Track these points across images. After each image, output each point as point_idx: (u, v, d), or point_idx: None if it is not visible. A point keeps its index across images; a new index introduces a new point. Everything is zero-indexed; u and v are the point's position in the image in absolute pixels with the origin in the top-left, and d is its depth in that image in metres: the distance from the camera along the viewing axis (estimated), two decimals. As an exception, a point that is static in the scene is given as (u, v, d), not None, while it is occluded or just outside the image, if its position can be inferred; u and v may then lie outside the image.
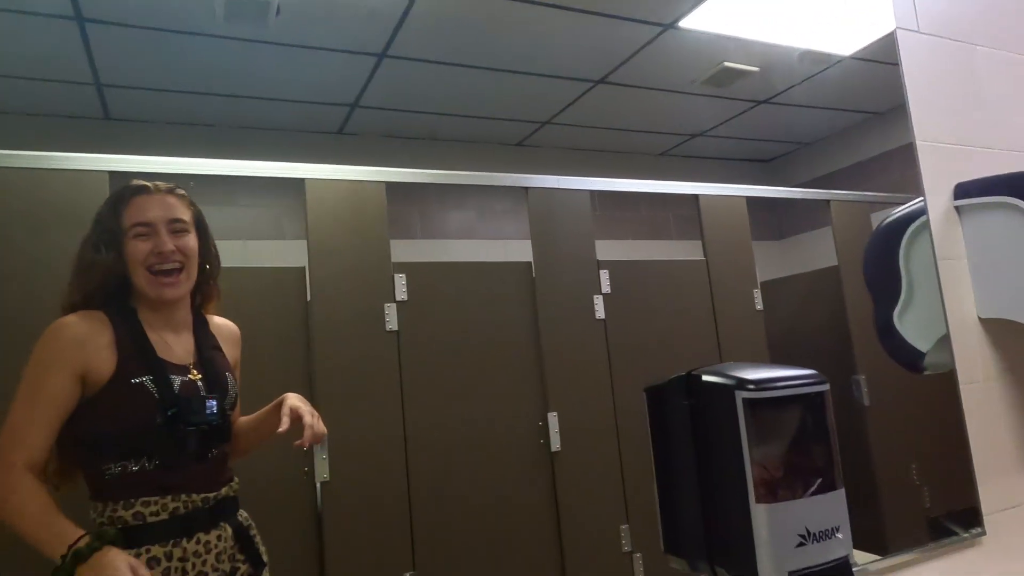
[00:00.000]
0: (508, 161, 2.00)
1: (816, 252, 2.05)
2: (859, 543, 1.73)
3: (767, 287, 1.83)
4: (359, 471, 1.27)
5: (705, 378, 0.86)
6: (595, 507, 1.46)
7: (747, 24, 1.77)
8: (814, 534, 0.80)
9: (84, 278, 1.01)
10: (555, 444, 1.44)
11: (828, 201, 1.89)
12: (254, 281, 1.28)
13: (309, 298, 1.31)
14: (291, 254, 1.38)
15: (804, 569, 0.77)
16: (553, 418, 1.45)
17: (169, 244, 1.02)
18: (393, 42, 1.61)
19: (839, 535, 0.81)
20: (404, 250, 1.80)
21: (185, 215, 1.06)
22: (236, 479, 1.08)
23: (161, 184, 1.06)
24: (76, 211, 1.12)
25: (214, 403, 1.02)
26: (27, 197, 1.15)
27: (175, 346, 1.04)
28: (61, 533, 0.88)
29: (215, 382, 1.05)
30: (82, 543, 0.87)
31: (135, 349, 1.00)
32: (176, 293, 1.04)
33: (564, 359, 1.49)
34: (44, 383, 0.95)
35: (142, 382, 0.98)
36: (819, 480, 0.83)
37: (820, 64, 1.95)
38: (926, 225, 1.30)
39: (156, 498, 0.97)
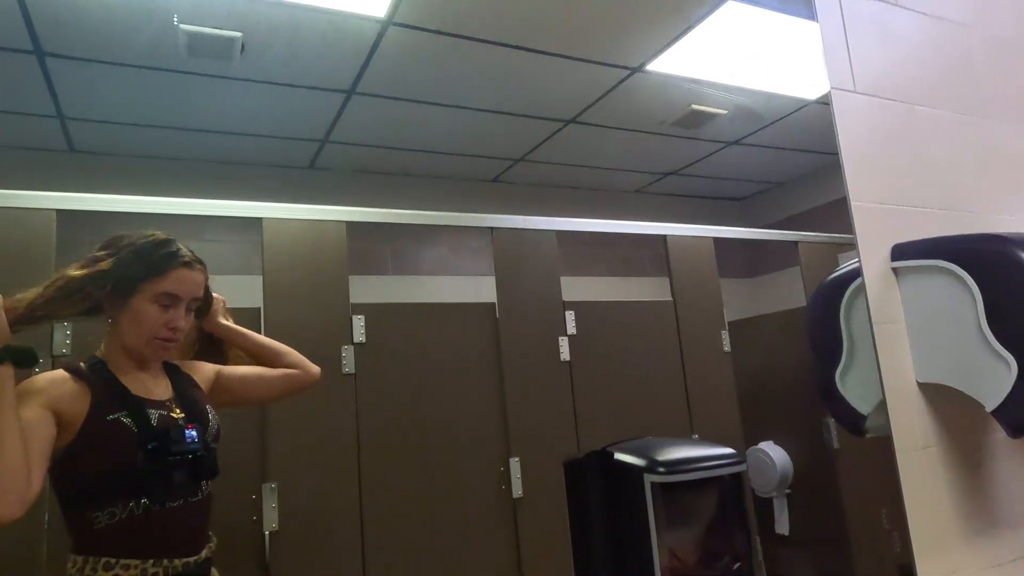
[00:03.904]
0: (481, 197, 2.00)
1: (787, 291, 2.06)
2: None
3: (736, 327, 1.82)
4: (310, 520, 1.23)
5: (617, 456, 0.85)
6: (558, 555, 1.42)
7: (713, 68, 1.79)
8: None
9: (62, 297, 0.97)
10: (517, 490, 1.41)
11: (796, 242, 1.89)
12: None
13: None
14: (254, 293, 1.35)
15: None
16: (515, 463, 1.42)
17: (184, 324, 1.03)
18: (361, 79, 1.61)
19: None
20: (373, 287, 1.78)
21: (201, 295, 1.07)
22: (214, 540, 1.07)
23: (199, 259, 1.06)
24: (19, 250, 1.10)
25: (194, 432, 1.02)
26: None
27: (151, 387, 1.04)
28: None
29: (195, 415, 1.04)
30: None
31: (108, 388, 0.99)
32: (171, 356, 1.07)
33: (527, 402, 1.46)
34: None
35: (118, 418, 0.96)
36: (735, 567, 0.81)
37: (788, 108, 1.98)
38: (863, 287, 1.31)
39: (137, 562, 0.95)
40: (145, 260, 1.01)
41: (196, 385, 1.10)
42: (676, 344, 1.66)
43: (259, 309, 1.29)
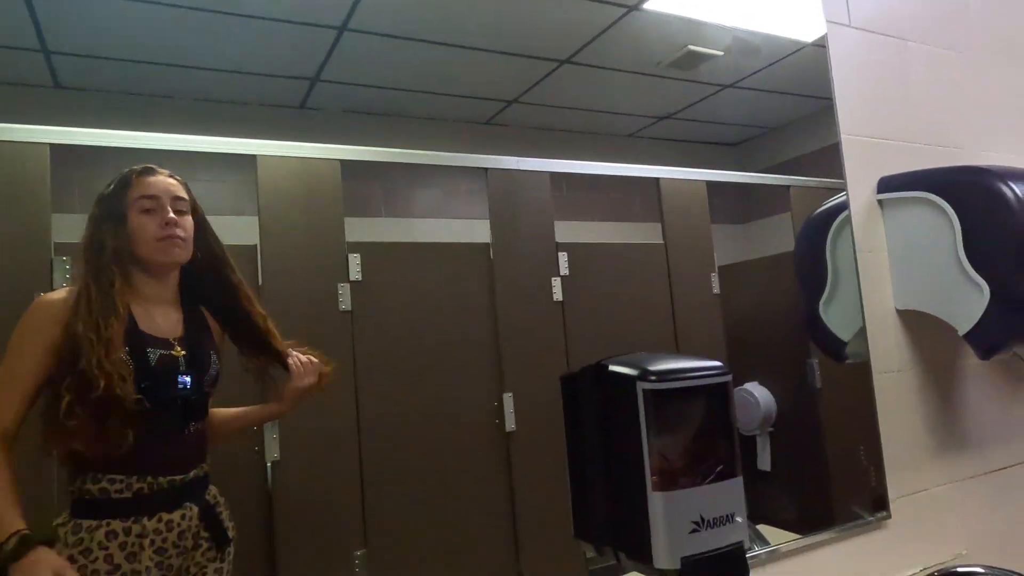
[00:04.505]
0: (475, 139, 1.98)
1: (778, 237, 2.07)
2: (809, 522, 1.79)
3: (726, 271, 1.85)
4: (310, 451, 1.27)
5: (611, 368, 0.88)
6: (549, 487, 1.48)
7: (710, 8, 1.76)
8: (708, 521, 0.83)
9: (95, 256, 1.05)
10: (510, 424, 1.46)
11: (788, 187, 1.90)
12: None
13: (260, 277, 1.29)
14: (248, 232, 1.36)
15: (697, 554, 0.80)
16: (508, 399, 1.46)
17: (174, 216, 1.09)
18: (353, 15, 1.57)
19: (738, 519, 0.84)
20: (367, 229, 1.78)
21: (185, 197, 1.12)
22: (208, 460, 1.12)
23: (163, 169, 1.13)
24: (14, 186, 1.09)
25: (188, 379, 1.07)
26: (-38, 170, 1.12)
27: (161, 320, 1.09)
28: (2, 521, 0.91)
29: (195, 358, 1.09)
30: (11, 542, 0.90)
31: None
32: (182, 256, 1.11)
33: (521, 340, 1.50)
34: (22, 357, 1.00)
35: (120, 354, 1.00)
36: (718, 469, 0.86)
37: (784, 50, 1.95)
38: (849, 219, 1.33)
39: (122, 476, 1.01)
40: (115, 185, 1.09)
41: (207, 328, 1.15)
42: (666, 286, 1.69)
43: (255, 247, 1.30)
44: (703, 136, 2.30)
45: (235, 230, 1.44)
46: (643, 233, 2.02)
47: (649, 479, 0.80)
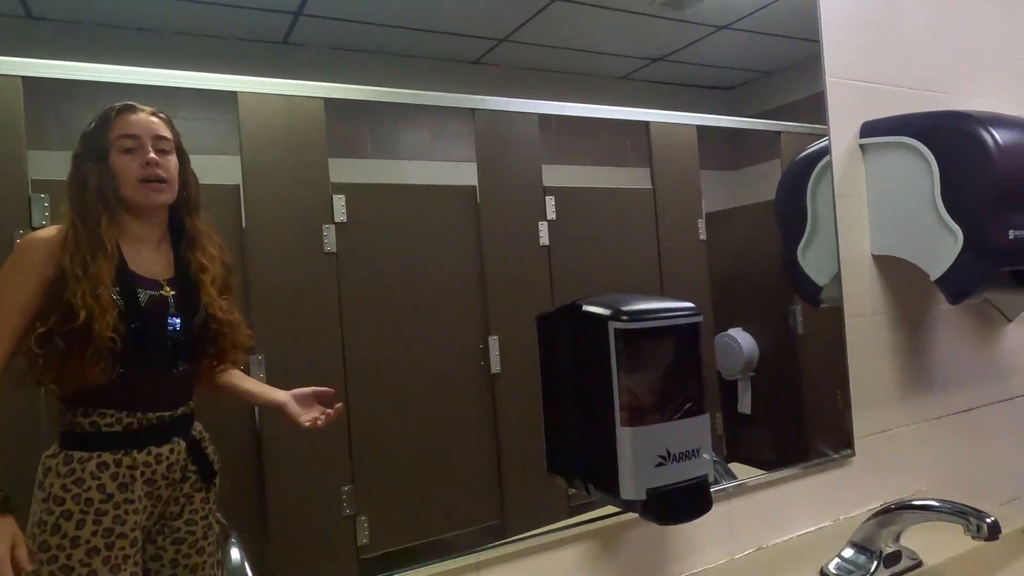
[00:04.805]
0: (463, 79, 1.94)
1: (767, 184, 2.07)
2: (784, 463, 1.85)
3: (713, 218, 1.85)
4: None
5: (585, 308, 0.90)
6: (533, 427, 1.52)
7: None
8: (674, 455, 0.86)
9: (79, 195, 1.05)
10: (495, 367, 1.48)
11: (779, 132, 1.89)
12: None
13: (244, 218, 1.28)
14: (231, 172, 1.34)
15: (662, 487, 0.83)
16: (494, 341, 1.48)
17: (155, 156, 1.08)
18: (336, -55, 1.51)
19: (703, 455, 0.87)
20: (353, 170, 1.76)
21: (168, 136, 1.11)
22: (193, 398, 1.15)
23: (145, 106, 1.11)
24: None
25: (177, 320, 1.09)
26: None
27: (151, 260, 1.09)
28: None
29: (185, 300, 1.10)
30: None
31: None
32: (165, 198, 1.11)
33: (506, 284, 1.51)
34: (10, 293, 1.01)
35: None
36: (686, 406, 0.88)
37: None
38: (831, 164, 1.33)
39: (112, 411, 1.04)
40: (96, 123, 1.08)
41: (203, 268, 1.14)
42: (653, 231, 1.70)
43: (238, 186, 1.28)
44: (696, 79, 2.26)
45: (218, 170, 1.42)
46: (632, 178, 2.01)
47: (618, 415, 0.82)
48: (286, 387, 1.26)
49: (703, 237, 1.77)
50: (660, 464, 0.84)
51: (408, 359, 1.41)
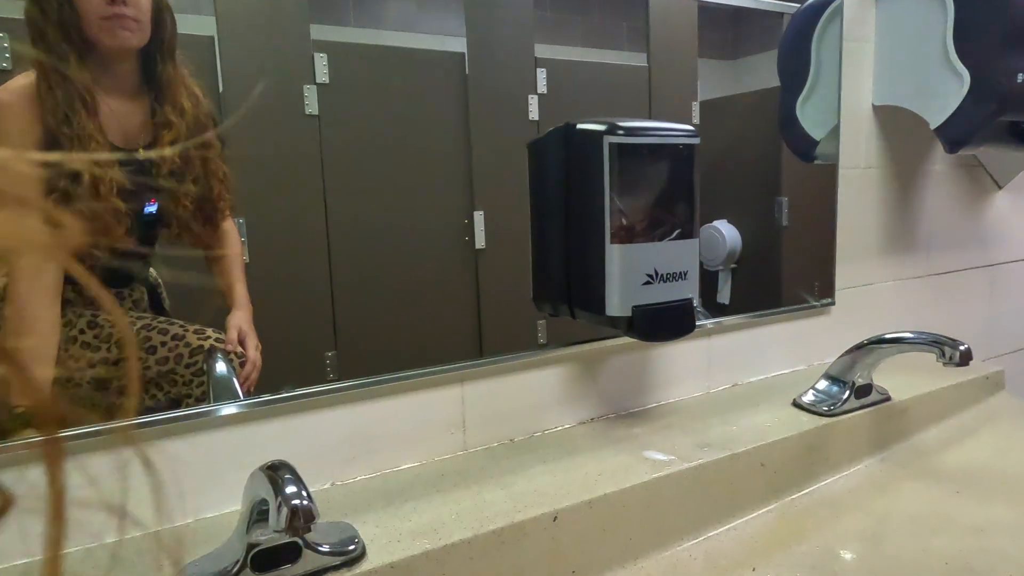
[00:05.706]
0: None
1: (767, 74, 2.01)
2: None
3: (708, 106, 1.80)
4: (279, 254, 1.28)
5: (580, 127, 0.88)
6: (516, 302, 1.53)
7: None
8: (662, 275, 0.87)
9: (38, 33, 0.95)
10: (480, 242, 1.47)
11: (782, 14, 1.81)
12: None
13: (220, 81, 1.22)
14: (206, 30, 1.26)
15: (647, 304, 0.85)
16: (479, 216, 1.46)
17: None
18: None
19: (690, 278, 0.89)
20: (335, 38, 1.67)
21: None
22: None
23: None
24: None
25: (155, 208, 1.05)
26: None
27: (127, 124, 1.01)
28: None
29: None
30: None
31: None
32: (135, 39, 1.00)
33: (493, 159, 1.47)
34: None
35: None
36: (676, 230, 0.89)
37: None
38: (840, 10, 1.28)
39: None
40: None
41: (168, 125, 1.06)
42: (646, 111, 1.65)
43: (212, 38, 1.21)
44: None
45: (192, 29, 1.34)
46: (628, 61, 1.93)
47: (608, 232, 0.82)
48: (270, 253, 1.25)
49: (696, 122, 1.73)
50: (647, 283, 0.85)
51: (391, 228, 1.39)
